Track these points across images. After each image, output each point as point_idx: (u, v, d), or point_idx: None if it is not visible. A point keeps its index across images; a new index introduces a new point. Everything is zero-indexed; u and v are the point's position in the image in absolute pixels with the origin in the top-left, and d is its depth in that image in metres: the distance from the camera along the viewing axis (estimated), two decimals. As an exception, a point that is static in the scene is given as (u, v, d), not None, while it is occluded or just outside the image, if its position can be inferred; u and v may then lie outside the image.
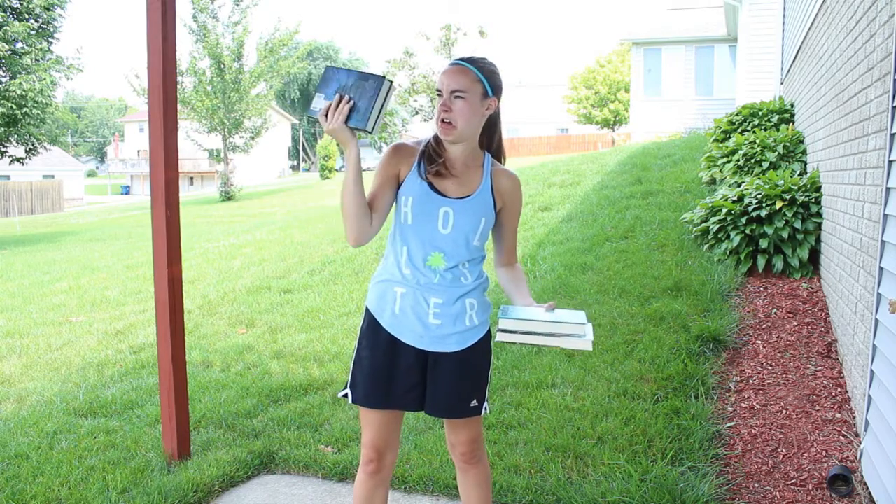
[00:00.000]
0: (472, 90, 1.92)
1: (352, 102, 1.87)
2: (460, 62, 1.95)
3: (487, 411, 2.10)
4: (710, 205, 5.53)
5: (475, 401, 2.03)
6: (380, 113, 1.88)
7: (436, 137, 2.02)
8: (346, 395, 2.06)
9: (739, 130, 7.87)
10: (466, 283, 2.01)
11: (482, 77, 1.94)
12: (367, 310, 2.06)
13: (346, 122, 1.87)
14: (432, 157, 1.98)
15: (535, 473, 2.94)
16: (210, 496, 2.98)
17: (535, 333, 1.79)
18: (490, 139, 2.07)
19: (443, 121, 1.93)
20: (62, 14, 19.36)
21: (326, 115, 1.88)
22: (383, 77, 1.87)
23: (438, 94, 1.94)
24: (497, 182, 2.02)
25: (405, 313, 1.98)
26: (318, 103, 1.92)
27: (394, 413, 2.07)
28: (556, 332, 1.79)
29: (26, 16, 18.64)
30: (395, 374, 1.99)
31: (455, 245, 1.97)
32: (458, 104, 1.91)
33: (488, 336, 2.07)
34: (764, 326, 4.32)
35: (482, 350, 2.05)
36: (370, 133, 1.89)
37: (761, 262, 5.03)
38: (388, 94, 1.88)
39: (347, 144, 1.88)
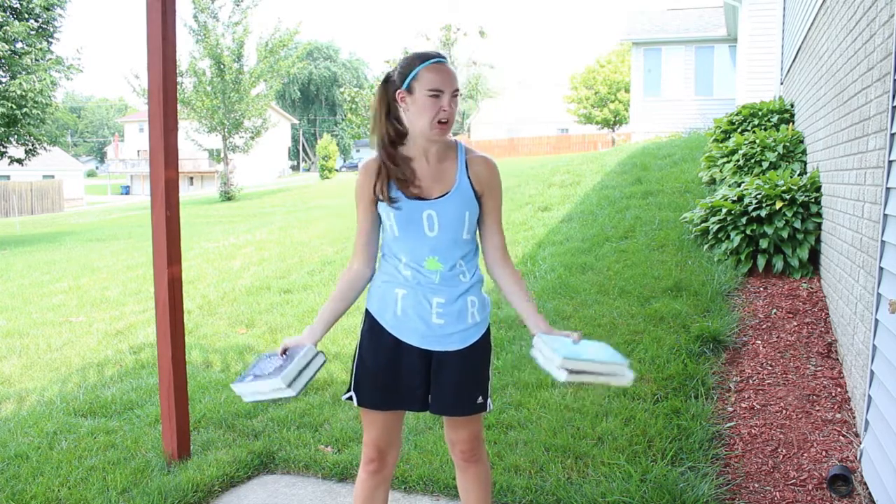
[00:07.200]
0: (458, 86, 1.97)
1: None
2: (445, 60, 1.94)
3: (491, 408, 2.10)
4: (710, 205, 5.53)
5: (480, 397, 2.04)
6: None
7: (387, 153, 1.97)
8: (350, 398, 2.05)
9: (739, 130, 7.87)
10: (465, 281, 2.01)
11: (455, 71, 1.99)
12: (367, 312, 2.06)
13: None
14: (402, 174, 1.96)
15: (535, 473, 2.94)
16: (210, 496, 2.97)
17: (594, 374, 1.83)
18: None
19: (440, 121, 1.91)
20: (62, 14, 19.39)
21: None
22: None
23: (436, 95, 1.90)
24: (473, 170, 2.00)
25: (407, 314, 1.98)
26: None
27: (396, 413, 2.07)
28: (610, 373, 1.84)
29: (26, 16, 18.65)
30: (399, 374, 2.00)
31: (445, 245, 1.97)
32: (454, 103, 1.93)
33: (489, 333, 2.07)
34: (764, 326, 4.31)
35: (484, 347, 2.05)
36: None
37: (761, 262, 5.03)
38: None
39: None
